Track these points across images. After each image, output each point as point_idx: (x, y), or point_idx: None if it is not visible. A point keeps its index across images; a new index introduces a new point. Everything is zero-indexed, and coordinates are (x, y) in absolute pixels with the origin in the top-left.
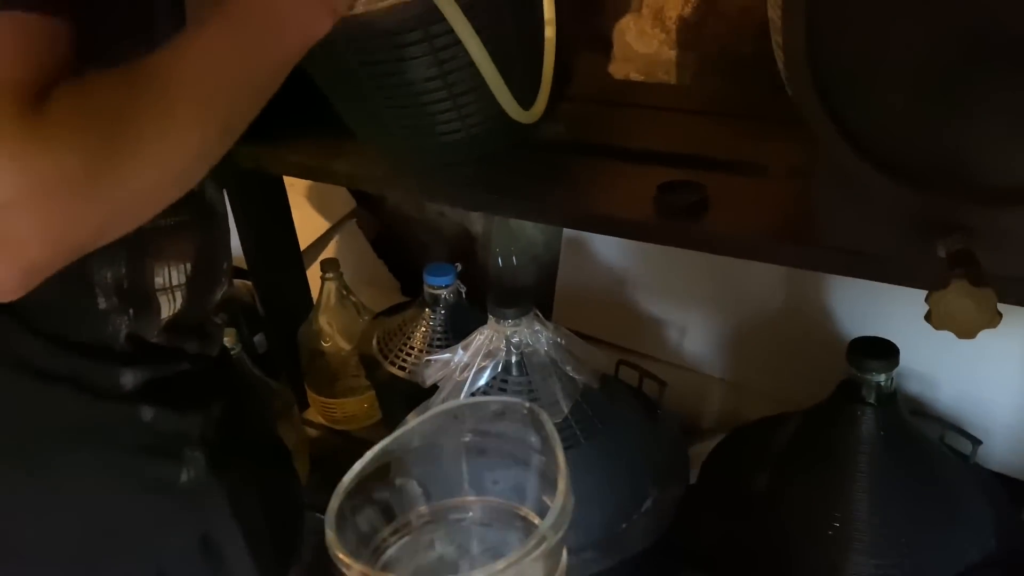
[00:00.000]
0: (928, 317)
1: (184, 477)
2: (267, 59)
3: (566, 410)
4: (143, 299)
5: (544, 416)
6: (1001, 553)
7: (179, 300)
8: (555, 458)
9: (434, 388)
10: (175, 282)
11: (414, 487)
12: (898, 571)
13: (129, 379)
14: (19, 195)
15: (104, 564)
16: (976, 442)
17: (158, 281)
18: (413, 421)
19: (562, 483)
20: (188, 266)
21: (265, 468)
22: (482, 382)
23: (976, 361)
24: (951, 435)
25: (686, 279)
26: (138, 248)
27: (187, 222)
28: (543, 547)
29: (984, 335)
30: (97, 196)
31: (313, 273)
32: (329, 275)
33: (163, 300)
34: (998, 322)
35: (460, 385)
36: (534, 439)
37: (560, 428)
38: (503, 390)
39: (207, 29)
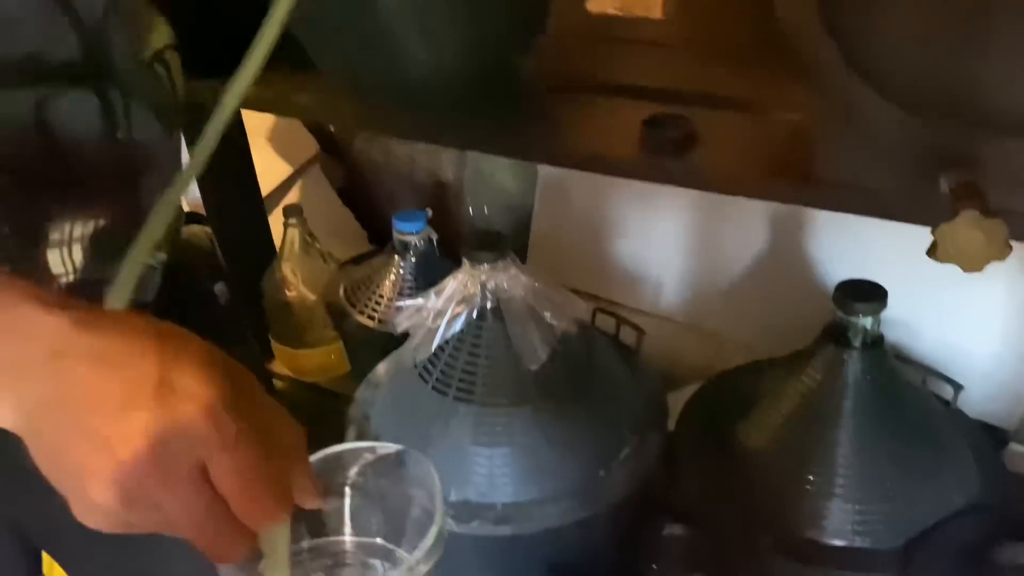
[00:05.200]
0: (932, 251)
1: None
2: None
3: (544, 357)
4: (24, 253)
5: (424, 459)
6: (984, 498)
7: (79, 260)
8: (434, 501)
9: (405, 336)
10: (75, 234)
11: (296, 523)
12: (881, 517)
13: None
14: None
15: None
16: (958, 387)
17: (53, 237)
18: None
19: (435, 528)
20: (98, 222)
21: None
22: (456, 329)
23: (957, 310)
24: (932, 381)
25: (664, 228)
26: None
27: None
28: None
29: (965, 284)
30: None
31: (276, 220)
32: (292, 221)
33: (53, 257)
34: (1008, 254)
35: (433, 333)
36: (416, 484)
37: (538, 375)
38: (478, 336)
39: None
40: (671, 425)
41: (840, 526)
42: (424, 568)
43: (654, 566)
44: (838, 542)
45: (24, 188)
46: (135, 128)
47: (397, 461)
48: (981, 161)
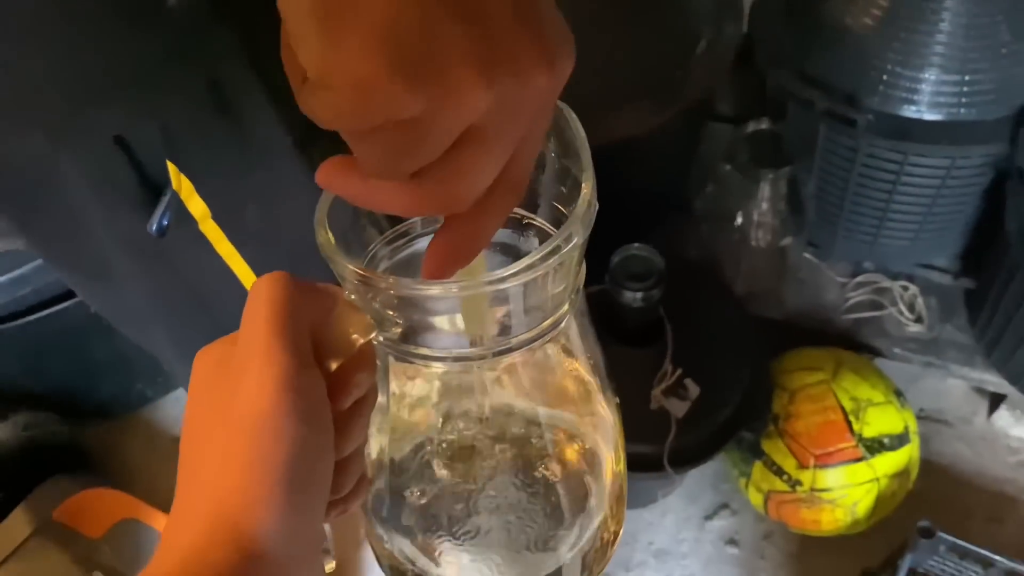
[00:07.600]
0: None
1: (172, 1)
2: None
3: None
4: None
5: (569, 114)
6: None
7: None
8: (579, 152)
9: None
10: None
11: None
12: (990, 87)
13: None
14: None
15: (101, 113)
16: None
17: None
18: None
19: (587, 186)
20: None
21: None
22: None
23: None
24: None
25: None
26: None
27: None
28: (556, 257)
29: None
30: None
31: None
32: None
33: None
34: None
35: None
36: (551, 141)
37: None
38: None
39: None
40: (744, 25)
41: (944, 100)
42: (579, 239)
43: (727, 166)
44: (939, 116)
45: None
46: None
47: None
48: None
